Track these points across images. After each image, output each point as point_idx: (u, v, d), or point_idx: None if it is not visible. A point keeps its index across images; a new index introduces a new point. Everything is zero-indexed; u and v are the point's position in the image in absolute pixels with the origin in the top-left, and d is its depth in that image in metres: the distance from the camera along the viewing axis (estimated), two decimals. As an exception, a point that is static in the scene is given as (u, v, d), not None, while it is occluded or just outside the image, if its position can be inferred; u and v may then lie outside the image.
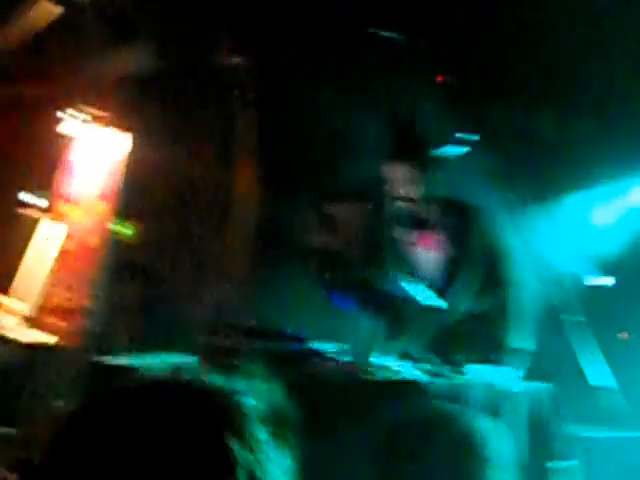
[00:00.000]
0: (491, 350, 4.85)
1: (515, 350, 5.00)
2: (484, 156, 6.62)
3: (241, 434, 1.18)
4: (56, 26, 8.34)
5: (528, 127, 7.24)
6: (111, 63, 8.65)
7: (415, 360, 4.76)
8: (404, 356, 4.78)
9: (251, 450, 1.17)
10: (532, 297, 5.17)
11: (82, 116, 7.71)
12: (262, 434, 1.21)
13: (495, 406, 4.44)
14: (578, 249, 6.66)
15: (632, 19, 6.51)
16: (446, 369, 4.71)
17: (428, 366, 4.72)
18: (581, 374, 4.55)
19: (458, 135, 7.03)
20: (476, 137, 6.88)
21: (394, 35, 7.53)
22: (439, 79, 7.53)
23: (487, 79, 7.35)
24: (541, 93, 7.20)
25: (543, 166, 7.14)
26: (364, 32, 7.48)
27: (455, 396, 4.36)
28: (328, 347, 4.78)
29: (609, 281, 6.35)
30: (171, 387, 1.27)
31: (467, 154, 6.73)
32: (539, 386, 4.76)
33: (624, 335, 6.72)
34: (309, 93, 7.73)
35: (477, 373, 4.63)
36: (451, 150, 6.54)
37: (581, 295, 6.05)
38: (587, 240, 6.78)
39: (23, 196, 8.56)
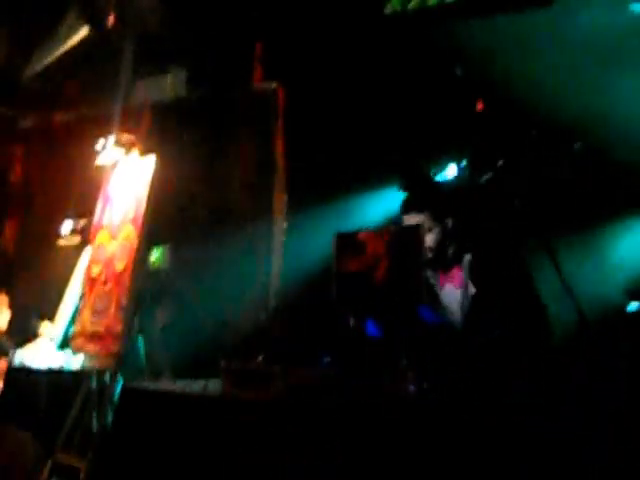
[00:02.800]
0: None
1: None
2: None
3: None
4: (90, 51, 8.42)
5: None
6: (145, 88, 8.71)
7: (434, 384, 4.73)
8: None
9: None
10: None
11: (117, 143, 7.74)
12: None
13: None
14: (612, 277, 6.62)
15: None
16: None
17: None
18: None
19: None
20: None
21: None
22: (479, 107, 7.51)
23: (514, 104, 7.32)
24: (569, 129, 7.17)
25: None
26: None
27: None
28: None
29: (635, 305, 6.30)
30: None
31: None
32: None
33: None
34: (339, 116, 7.75)
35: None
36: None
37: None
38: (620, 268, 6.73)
39: (63, 225, 8.64)
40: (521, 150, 7.23)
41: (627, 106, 6.78)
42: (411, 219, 5.14)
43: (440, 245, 5.12)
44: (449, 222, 5.12)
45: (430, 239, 5.06)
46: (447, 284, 5.22)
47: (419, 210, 5.12)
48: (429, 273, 5.14)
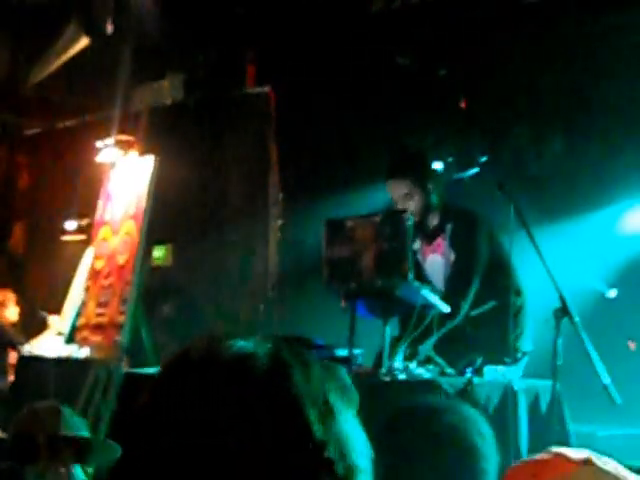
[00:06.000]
0: (493, 350, 4.88)
1: (516, 350, 5.04)
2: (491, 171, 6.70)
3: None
4: (90, 59, 8.49)
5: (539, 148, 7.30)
6: (143, 94, 8.79)
7: (424, 362, 4.79)
8: (416, 358, 4.81)
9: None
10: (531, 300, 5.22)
11: (117, 144, 7.82)
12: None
13: (498, 403, 4.48)
14: (588, 262, 6.69)
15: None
16: (451, 369, 4.74)
17: (437, 366, 4.76)
18: (582, 372, 4.54)
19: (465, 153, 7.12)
20: (484, 157, 6.95)
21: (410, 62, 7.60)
22: (462, 105, 7.59)
23: (498, 102, 7.39)
24: (549, 116, 7.24)
25: (554, 185, 7.19)
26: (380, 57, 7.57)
27: (461, 394, 4.39)
28: (353, 352, 4.82)
29: (614, 293, 6.38)
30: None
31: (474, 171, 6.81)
32: (540, 383, 4.78)
33: (632, 344, 6.71)
34: (329, 117, 7.83)
35: (481, 372, 4.66)
36: (461, 172, 6.63)
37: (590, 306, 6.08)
38: (596, 253, 6.81)
39: (67, 223, 8.73)
40: (504, 146, 7.33)
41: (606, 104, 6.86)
42: (394, 185, 5.19)
43: (423, 213, 5.18)
44: (431, 190, 5.18)
45: (411, 204, 5.11)
46: (430, 254, 5.29)
47: (401, 174, 5.17)
48: (417, 244, 5.20)
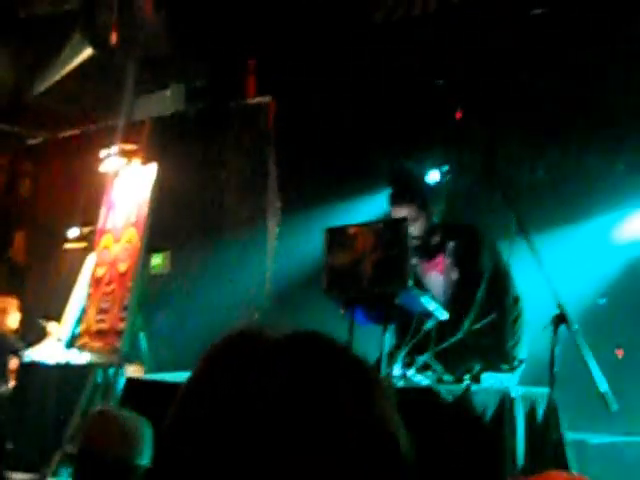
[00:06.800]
0: (491, 358, 4.89)
1: (513, 357, 5.04)
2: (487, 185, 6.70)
3: None
4: (94, 69, 8.51)
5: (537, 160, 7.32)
6: (146, 104, 8.80)
7: (423, 369, 4.79)
8: (414, 365, 4.81)
9: None
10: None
11: (120, 153, 7.84)
12: None
13: (495, 410, 4.47)
14: (582, 270, 6.71)
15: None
16: (450, 377, 4.74)
17: (435, 374, 4.76)
18: (578, 380, 4.54)
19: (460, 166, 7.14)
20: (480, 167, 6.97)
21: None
22: (457, 115, 7.59)
23: (494, 112, 7.42)
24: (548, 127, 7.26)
25: (548, 195, 7.20)
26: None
27: (460, 401, 4.39)
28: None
29: (604, 299, 6.41)
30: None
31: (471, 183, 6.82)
32: (537, 391, 4.77)
33: (619, 352, 6.71)
34: (328, 127, 7.85)
35: (479, 379, 4.66)
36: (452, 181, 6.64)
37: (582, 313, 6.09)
38: (590, 262, 6.82)
39: (69, 231, 8.74)
40: (499, 155, 7.33)
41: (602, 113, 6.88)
42: (398, 210, 5.20)
43: (426, 234, 5.20)
44: (433, 212, 5.21)
45: (415, 228, 5.13)
46: (431, 272, 5.29)
47: (406, 201, 5.19)
48: (415, 261, 5.21)
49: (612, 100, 6.79)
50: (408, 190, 5.30)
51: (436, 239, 5.23)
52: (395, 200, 5.22)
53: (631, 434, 5.72)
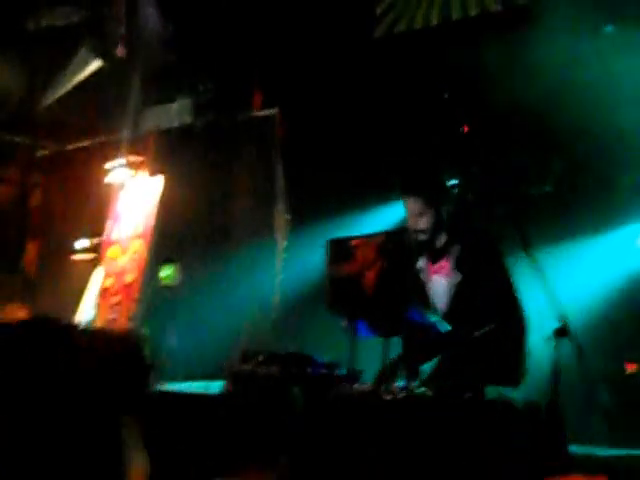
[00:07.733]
0: (494, 370, 4.82)
1: (516, 369, 4.97)
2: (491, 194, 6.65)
3: None
4: (101, 82, 8.51)
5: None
6: (153, 116, 8.80)
7: (426, 381, 4.74)
8: (417, 377, 4.76)
9: None
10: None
11: (127, 165, 7.83)
12: None
13: (498, 422, 4.42)
14: (588, 284, 6.66)
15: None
16: (452, 388, 4.68)
17: (437, 385, 4.70)
18: (582, 393, 4.50)
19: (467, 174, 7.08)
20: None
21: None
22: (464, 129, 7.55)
23: (498, 127, 7.38)
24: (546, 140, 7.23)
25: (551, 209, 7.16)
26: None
27: (462, 413, 4.34)
28: (354, 371, 4.78)
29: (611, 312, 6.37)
30: None
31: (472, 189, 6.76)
32: (540, 403, 4.72)
33: (630, 366, 6.64)
34: (335, 139, 7.83)
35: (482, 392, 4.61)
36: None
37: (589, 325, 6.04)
38: (596, 276, 6.77)
39: (77, 242, 8.74)
40: (506, 168, 7.29)
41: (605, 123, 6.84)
42: (407, 202, 5.08)
43: (432, 230, 5.06)
44: (442, 209, 5.08)
45: (422, 222, 5.01)
46: (434, 275, 5.19)
47: (413, 193, 5.07)
48: (420, 264, 5.13)
49: (621, 113, 6.75)
50: (416, 182, 5.20)
51: (441, 240, 5.11)
52: (403, 190, 5.13)
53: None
